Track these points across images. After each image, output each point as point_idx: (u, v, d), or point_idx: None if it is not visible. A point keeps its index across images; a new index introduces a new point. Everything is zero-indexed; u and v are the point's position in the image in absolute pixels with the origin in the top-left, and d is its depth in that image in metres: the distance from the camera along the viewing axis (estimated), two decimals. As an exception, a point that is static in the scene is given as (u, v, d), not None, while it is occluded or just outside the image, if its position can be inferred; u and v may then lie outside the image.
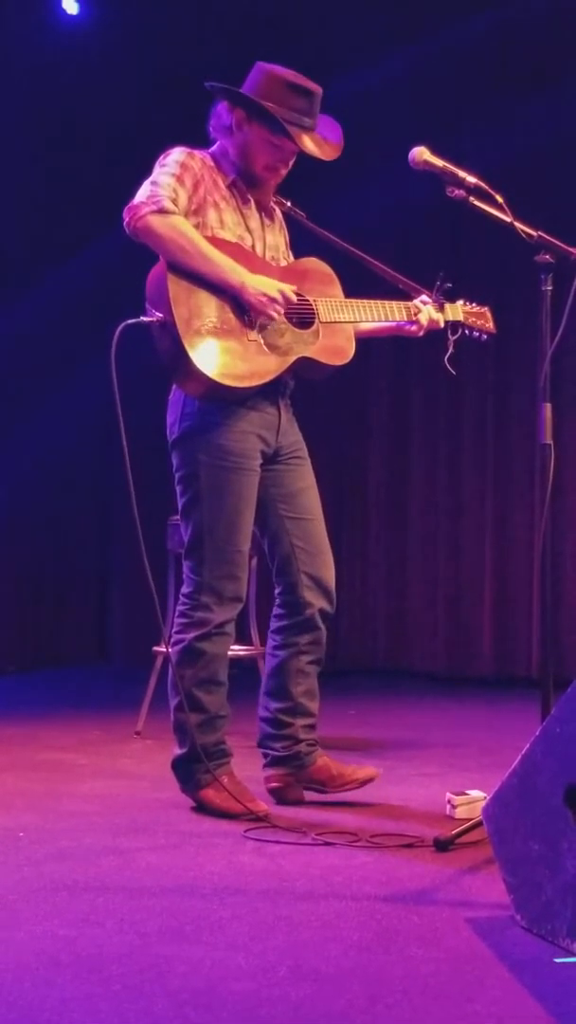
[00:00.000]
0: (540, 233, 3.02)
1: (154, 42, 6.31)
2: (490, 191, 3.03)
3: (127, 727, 4.58)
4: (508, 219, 3.02)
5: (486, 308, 3.62)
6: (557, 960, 2.13)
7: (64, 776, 3.79)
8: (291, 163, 3.30)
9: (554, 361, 3.01)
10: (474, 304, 3.59)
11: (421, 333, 3.47)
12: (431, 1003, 1.93)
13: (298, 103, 3.20)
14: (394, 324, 3.46)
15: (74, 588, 6.87)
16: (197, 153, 3.25)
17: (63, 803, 3.39)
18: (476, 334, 3.57)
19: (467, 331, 3.55)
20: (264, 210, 3.36)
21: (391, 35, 5.94)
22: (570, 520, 6.09)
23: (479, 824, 2.74)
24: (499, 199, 3.01)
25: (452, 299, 3.52)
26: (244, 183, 3.29)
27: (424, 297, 3.46)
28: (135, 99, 6.36)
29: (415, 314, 3.42)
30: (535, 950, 2.18)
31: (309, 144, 3.21)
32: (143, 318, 3.12)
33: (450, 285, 3.48)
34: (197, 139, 3.32)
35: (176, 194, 3.13)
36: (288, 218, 3.47)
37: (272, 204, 3.40)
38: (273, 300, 3.16)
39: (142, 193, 3.13)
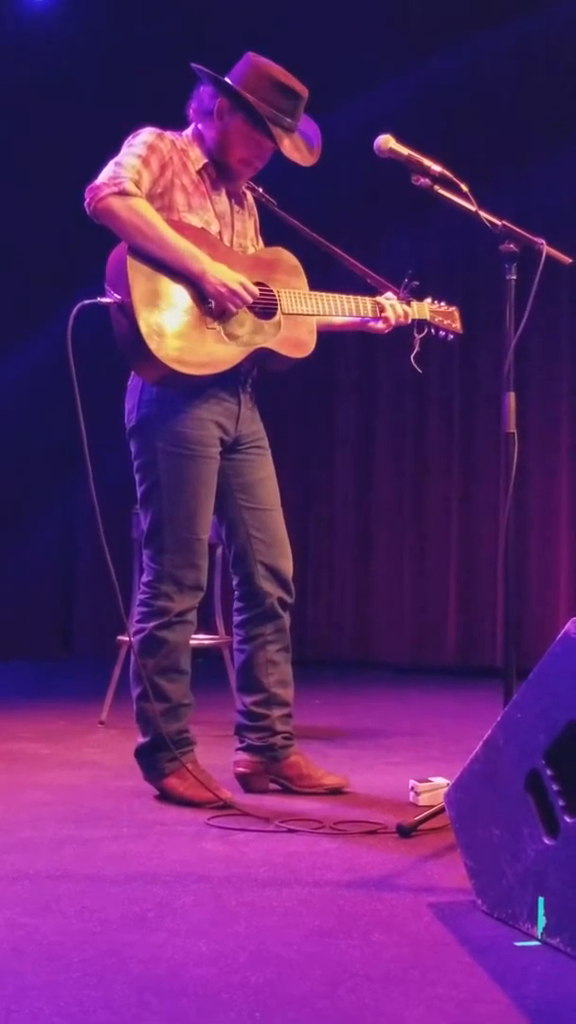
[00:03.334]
0: (505, 222, 3.01)
1: (124, 33, 6.28)
2: (455, 179, 3.01)
3: (91, 716, 4.57)
4: (473, 208, 3.01)
5: (454, 308, 3.59)
6: (517, 944, 2.14)
7: (27, 766, 3.77)
8: (267, 160, 3.27)
9: (518, 350, 3.02)
10: (442, 303, 3.57)
11: (387, 330, 3.45)
12: (392, 987, 1.94)
13: (283, 103, 3.16)
14: (359, 320, 3.44)
15: (38, 578, 6.84)
16: (167, 134, 3.22)
17: (26, 793, 3.38)
18: (442, 334, 3.55)
19: (433, 330, 3.53)
20: (234, 195, 3.33)
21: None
22: (535, 510, 6.12)
23: (441, 810, 2.75)
24: (464, 187, 3.00)
25: (420, 297, 3.51)
26: (215, 169, 3.27)
27: (389, 294, 3.45)
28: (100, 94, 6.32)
29: (380, 311, 3.41)
30: (496, 934, 2.19)
31: (288, 146, 3.18)
32: (100, 299, 3.09)
33: (417, 283, 3.47)
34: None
35: (140, 176, 3.09)
36: (258, 203, 3.45)
37: (243, 189, 3.38)
38: (233, 292, 3.13)
39: (105, 173, 3.09)
